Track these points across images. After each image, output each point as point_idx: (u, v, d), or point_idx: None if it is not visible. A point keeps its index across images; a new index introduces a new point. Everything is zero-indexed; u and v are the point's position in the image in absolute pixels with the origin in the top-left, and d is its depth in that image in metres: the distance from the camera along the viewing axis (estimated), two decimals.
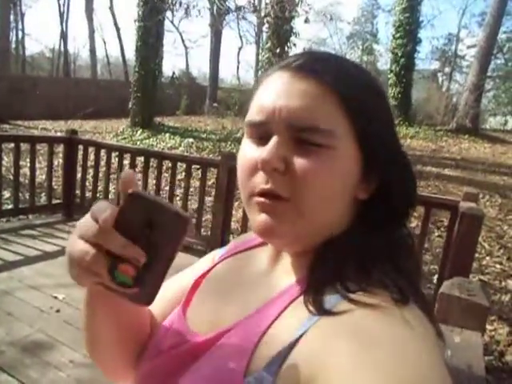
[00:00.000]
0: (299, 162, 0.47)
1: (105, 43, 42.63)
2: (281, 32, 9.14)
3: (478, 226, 2.57)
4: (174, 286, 0.67)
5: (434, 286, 3.11)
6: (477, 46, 13.94)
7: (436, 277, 3.13)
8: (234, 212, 3.97)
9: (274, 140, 0.48)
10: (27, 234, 3.86)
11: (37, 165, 4.60)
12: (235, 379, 0.44)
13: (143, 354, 0.59)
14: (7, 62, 17.01)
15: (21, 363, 2.10)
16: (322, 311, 0.44)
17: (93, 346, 0.61)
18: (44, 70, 27.91)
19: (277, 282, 0.53)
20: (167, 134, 10.04)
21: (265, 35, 10.35)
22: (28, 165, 4.56)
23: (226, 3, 10.18)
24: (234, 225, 4.26)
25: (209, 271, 0.65)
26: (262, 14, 9.77)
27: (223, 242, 3.50)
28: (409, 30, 12.75)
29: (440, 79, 24.40)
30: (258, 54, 17.67)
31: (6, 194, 4.65)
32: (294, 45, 9.57)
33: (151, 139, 9.57)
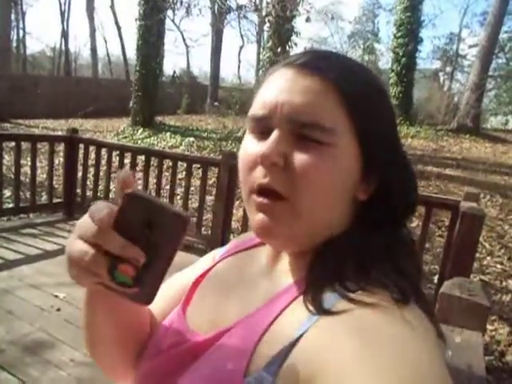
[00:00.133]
0: (299, 157, 0.47)
1: (106, 42, 42.39)
2: (282, 31, 9.14)
3: (478, 225, 2.57)
4: (174, 285, 0.67)
5: (434, 285, 3.10)
6: (478, 46, 13.91)
7: (437, 277, 3.13)
8: (234, 211, 3.97)
9: (274, 134, 0.48)
10: (28, 233, 3.87)
11: (37, 164, 4.61)
12: (235, 379, 0.44)
13: (143, 354, 0.59)
14: (8, 60, 17.03)
15: (21, 362, 2.11)
16: (321, 311, 0.44)
17: (93, 346, 0.61)
18: (45, 69, 27.92)
19: (277, 281, 0.53)
20: (168, 133, 10.03)
21: (266, 34, 10.35)
22: (29, 164, 4.57)
23: (227, 2, 10.17)
24: (234, 224, 4.26)
25: (209, 270, 0.65)
26: (264, 13, 9.78)
27: (224, 241, 3.50)
28: (410, 30, 12.73)
29: (441, 78, 24.38)
30: (259, 53, 17.67)
31: (7, 192, 4.66)
32: (295, 44, 9.58)
33: (152, 138, 9.57)
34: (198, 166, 4.85)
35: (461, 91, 17.34)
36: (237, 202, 4.25)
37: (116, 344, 0.59)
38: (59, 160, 5.65)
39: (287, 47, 9.34)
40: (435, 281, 3.18)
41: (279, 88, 0.49)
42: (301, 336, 0.43)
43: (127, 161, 4.38)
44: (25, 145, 4.31)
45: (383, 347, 0.38)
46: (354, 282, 0.45)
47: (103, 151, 4.62)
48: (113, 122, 12.22)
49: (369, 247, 0.49)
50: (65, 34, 25.16)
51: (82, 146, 4.60)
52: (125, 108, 11.66)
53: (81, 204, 4.56)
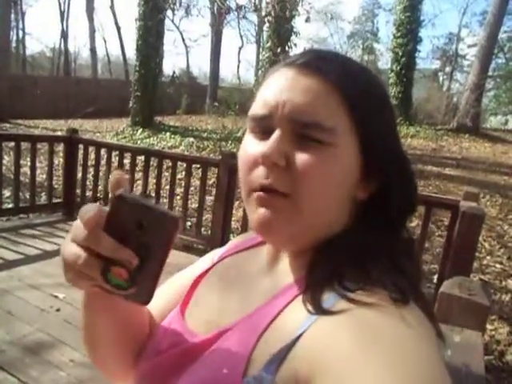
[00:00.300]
0: (300, 157, 0.47)
1: (105, 42, 42.64)
2: (281, 31, 9.14)
3: (478, 225, 2.57)
4: (173, 285, 0.67)
5: (434, 285, 3.10)
6: (478, 46, 13.92)
7: (436, 276, 3.12)
8: (234, 211, 3.97)
9: (276, 134, 0.48)
10: (27, 233, 3.86)
11: (37, 164, 4.61)
12: (234, 380, 0.44)
13: (142, 354, 0.59)
14: (8, 61, 16.99)
15: (21, 362, 2.10)
16: (320, 310, 0.43)
17: (92, 347, 0.61)
18: (44, 69, 27.92)
19: (276, 281, 0.53)
20: (168, 134, 10.03)
21: (265, 34, 10.35)
22: (28, 164, 4.56)
23: (227, 2, 10.17)
24: (234, 224, 4.26)
25: (208, 270, 0.64)
26: (263, 14, 9.78)
27: (223, 241, 3.50)
28: (409, 29, 12.73)
29: (441, 78, 24.42)
30: (258, 54, 17.69)
31: (7, 192, 4.65)
32: (295, 44, 9.59)
33: (151, 138, 9.56)
34: (198, 166, 4.84)
35: (460, 91, 17.34)
36: (236, 202, 4.25)
37: (115, 345, 0.59)
38: (59, 160, 5.65)
39: (287, 47, 9.35)
40: (435, 280, 3.18)
41: (280, 88, 0.49)
42: (301, 335, 0.43)
43: (127, 161, 4.38)
44: (24, 145, 4.31)
45: (382, 347, 0.38)
46: (354, 281, 0.45)
47: (103, 151, 4.62)
48: (112, 123, 12.21)
49: (368, 247, 0.49)
50: (64, 35, 25.20)
51: (81, 146, 4.60)
52: (124, 108, 11.66)
53: (80, 204, 4.48)
